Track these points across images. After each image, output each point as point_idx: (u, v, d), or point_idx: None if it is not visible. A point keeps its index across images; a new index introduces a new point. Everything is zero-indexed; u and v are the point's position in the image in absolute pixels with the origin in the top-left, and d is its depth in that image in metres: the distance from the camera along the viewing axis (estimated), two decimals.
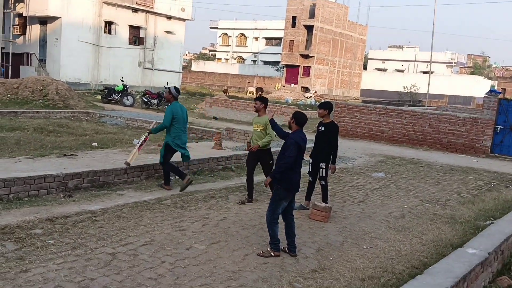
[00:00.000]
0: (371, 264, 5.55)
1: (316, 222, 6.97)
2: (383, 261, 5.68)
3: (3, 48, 30.30)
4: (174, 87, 8.34)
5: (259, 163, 7.76)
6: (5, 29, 31.72)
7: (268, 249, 5.53)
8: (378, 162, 13.11)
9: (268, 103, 7.86)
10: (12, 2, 32.51)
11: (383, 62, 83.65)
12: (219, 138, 12.16)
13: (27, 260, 4.68)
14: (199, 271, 4.85)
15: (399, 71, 78.36)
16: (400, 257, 5.88)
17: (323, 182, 7.49)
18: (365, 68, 74.09)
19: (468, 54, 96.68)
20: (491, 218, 7.95)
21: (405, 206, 8.53)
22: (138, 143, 8.50)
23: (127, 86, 24.63)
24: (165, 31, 38.49)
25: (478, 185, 11.05)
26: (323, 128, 7.46)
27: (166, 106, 22.22)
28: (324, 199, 7.53)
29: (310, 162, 7.62)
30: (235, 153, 10.29)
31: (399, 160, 13.73)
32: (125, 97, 23.77)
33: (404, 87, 56.80)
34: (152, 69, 37.76)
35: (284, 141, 5.86)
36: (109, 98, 23.85)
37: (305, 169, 10.54)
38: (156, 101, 23.13)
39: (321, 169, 7.43)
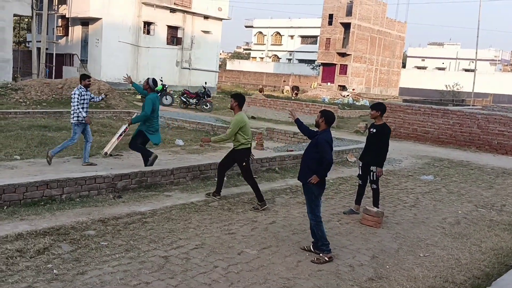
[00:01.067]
0: (430, 274, 5.29)
1: (368, 227, 6.73)
2: (443, 270, 5.41)
3: (47, 49, 31.23)
4: (153, 79, 8.90)
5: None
6: (49, 30, 32.68)
7: (321, 254, 5.37)
8: (426, 164, 12.66)
9: (245, 102, 7.49)
10: (56, 4, 33.48)
11: (423, 60, 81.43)
12: (261, 138, 12.05)
13: (83, 262, 4.68)
14: (253, 277, 4.73)
15: (439, 69, 76.11)
16: (460, 266, 5.59)
17: (374, 186, 7.23)
18: (404, 66, 72.35)
19: None
20: None
21: (459, 212, 8.16)
22: (119, 134, 9.27)
23: (166, 86, 24.89)
24: (202, 31, 38.76)
25: None
26: (374, 130, 7.20)
27: (204, 106, 22.54)
28: (375, 203, 7.26)
29: (360, 165, 7.37)
30: (279, 154, 10.13)
31: (448, 163, 13.22)
32: (164, 97, 24.00)
33: (446, 85, 55.11)
34: (189, 69, 38.10)
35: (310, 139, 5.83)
36: None
37: (352, 172, 10.40)
38: (194, 100, 23.28)
39: (371, 173, 7.17)
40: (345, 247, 5.87)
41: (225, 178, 7.61)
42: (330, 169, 5.57)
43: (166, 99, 24.05)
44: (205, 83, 26.32)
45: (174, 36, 37.45)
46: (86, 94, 9.25)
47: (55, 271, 4.43)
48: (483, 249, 6.22)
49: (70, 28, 34.90)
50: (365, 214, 6.92)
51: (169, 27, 36.82)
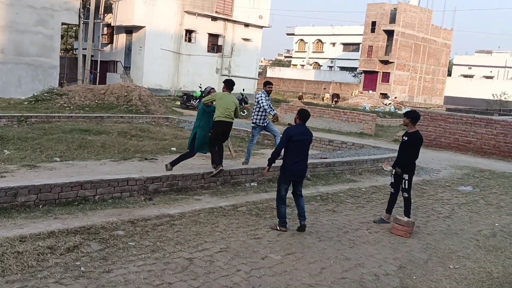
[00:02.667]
0: (458, 286, 5.13)
1: (397, 237, 6.58)
2: (472, 283, 5.23)
3: (92, 56, 32.51)
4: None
5: None
6: (95, 38, 34.02)
7: (277, 224, 6.40)
8: (465, 175, 12.23)
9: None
10: (102, 12, 34.86)
11: (470, 68, 78.65)
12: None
13: (109, 261, 4.84)
14: (275, 282, 4.73)
15: (487, 77, 73.29)
16: (491, 279, 5.38)
17: (406, 195, 7.07)
18: (449, 75, 70.22)
19: None
20: None
21: (496, 224, 7.84)
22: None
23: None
24: (243, 38, 39.19)
25: None
26: (406, 138, 7.06)
27: (241, 112, 22.68)
28: (407, 212, 7.10)
29: (393, 173, 7.23)
30: (311, 161, 10.03)
31: (489, 174, 12.71)
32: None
33: (493, 94, 53.07)
34: (228, 75, 38.58)
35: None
36: (187, 104, 24.65)
37: (386, 181, 10.20)
38: None
39: (403, 181, 7.02)
40: (372, 256, 5.77)
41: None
42: (276, 156, 6.47)
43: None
44: (243, 89, 26.53)
45: (214, 44, 38.06)
46: (267, 100, 10.04)
47: (82, 268, 4.60)
48: None
49: (114, 36, 36.19)
50: (395, 223, 6.77)
51: (210, 35, 37.47)
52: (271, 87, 10.20)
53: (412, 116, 7.04)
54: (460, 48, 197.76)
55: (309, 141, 6.53)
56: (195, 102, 24.57)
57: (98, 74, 33.95)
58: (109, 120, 16.74)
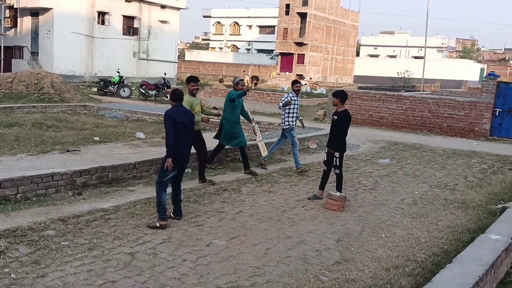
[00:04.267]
0: (392, 253, 5.47)
1: (331, 212, 6.87)
2: (404, 250, 5.61)
3: None
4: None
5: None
6: None
7: (157, 220, 5.76)
8: (382, 148, 13.03)
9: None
10: None
11: (375, 48, 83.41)
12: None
13: (43, 264, 4.53)
14: (223, 268, 4.73)
15: (391, 56, 78.22)
16: (420, 244, 5.81)
17: (337, 171, 7.39)
18: (358, 55, 73.79)
19: (457, 38, 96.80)
20: (501, 201, 7.92)
21: (416, 192, 8.46)
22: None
23: (124, 78, 24.30)
24: (160, 21, 37.99)
25: (482, 169, 11.01)
26: (336, 117, 7.35)
27: (164, 97, 22.17)
28: (339, 188, 7.43)
29: (326, 151, 7.52)
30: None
31: (402, 146, 13.66)
32: (122, 89, 23.45)
33: (397, 72, 56.65)
34: (147, 60, 37.34)
35: None
36: (105, 90, 23.53)
37: (313, 158, 10.57)
38: (154, 92, 22.84)
39: (335, 158, 7.33)
40: (311, 232, 5.98)
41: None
42: (171, 144, 5.86)
43: (124, 91, 23.50)
44: (165, 74, 25.85)
45: (130, 26, 36.51)
46: (297, 100, 9.43)
47: (12, 275, 4.26)
48: (440, 227, 6.47)
49: (18, 19, 33.30)
50: (329, 198, 7.06)
51: (125, 17, 35.85)
52: (299, 86, 9.59)
53: (341, 96, 7.32)
54: (367, 29, 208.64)
55: (191, 123, 6.12)
56: (113, 88, 23.51)
57: (2, 60, 31.15)
58: (20, 111, 15.52)
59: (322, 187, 7.56)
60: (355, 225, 6.43)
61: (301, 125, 9.93)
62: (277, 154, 10.72)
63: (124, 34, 35.97)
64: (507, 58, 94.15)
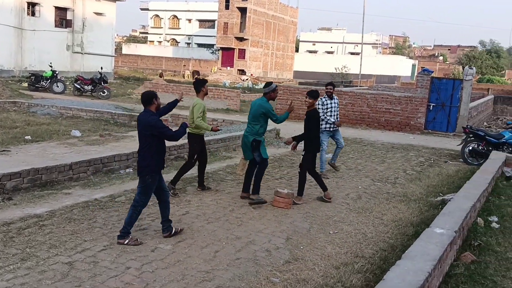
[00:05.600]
0: (341, 250, 5.48)
1: (279, 209, 6.80)
2: (352, 246, 5.64)
3: None
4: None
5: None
6: None
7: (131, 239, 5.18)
8: None
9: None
10: None
11: (314, 44, 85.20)
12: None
13: None
14: (170, 275, 4.49)
15: (328, 52, 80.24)
16: (366, 240, 5.88)
17: (299, 170, 7.43)
18: (297, 50, 75.01)
19: (390, 35, 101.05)
20: (440, 193, 8.25)
21: (360, 187, 8.62)
22: None
23: (57, 72, 23.02)
24: (95, 13, 36.31)
25: (420, 162, 11.45)
26: (305, 117, 7.38)
27: (101, 93, 21.23)
28: (299, 189, 7.41)
29: (302, 154, 7.53)
30: (186, 141, 9.81)
31: (343, 140, 13.89)
32: (55, 84, 22.21)
33: (335, 68, 58.16)
34: (82, 53, 35.60)
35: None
36: (36, 85, 22.17)
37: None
38: (89, 87, 21.81)
39: (301, 157, 7.40)
40: (260, 232, 5.87)
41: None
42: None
43: (57, 86, 22.28)
44: (101, 68, 24.75)
45: (63, 18, 34.60)
46: (333, 102, 9.36)
47: None
48: (385, 222, 6.60)
49: None
50: (276, 196, 6.99)
51: (57, 8, 33.92)
52: (331, 89, 9.32)
53: (313, 95, 7.30)
54: (305, 25, 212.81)
55: (141, 130, 5.34)
56: (45, 83, 22.19)
57: None
58: None
59: (323, 188, 7.45)
60: (303, 222, 6.40)
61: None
62: (222, 151, 10.54)
63: (56, 26, 34.06)
64: (436, 54, 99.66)
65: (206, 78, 13.46)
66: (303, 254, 5.28)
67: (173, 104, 6.11)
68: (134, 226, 5.61)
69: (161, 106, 5.68)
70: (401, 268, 4.08)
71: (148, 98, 5.35)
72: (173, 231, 5.41)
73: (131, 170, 8.13)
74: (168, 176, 8.06)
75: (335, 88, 11.41)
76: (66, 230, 5.38)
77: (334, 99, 9.45)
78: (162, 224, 5.43)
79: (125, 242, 5.05)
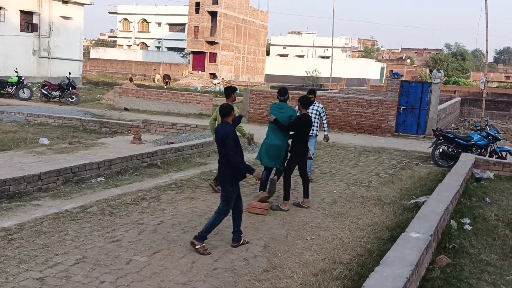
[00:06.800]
0: (319, 257, 5.47)
1: (256, 216, 6.75)
2: (330, 252, 5.64)
3: None
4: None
5: None
6: None
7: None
8: None
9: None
10: None
11: (285, 48, 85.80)
12: (138, 131, 11.41)
13: None
14: None
15: (299, 56, 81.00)
16: (344, 245, 5.88)
17: (283, 174, 7.46)
18: (268, 54, 75.41)
19: (359, 39, 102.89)
20: (413, 196, 8.37)
21: (334, 191, 8.64)
22: None
23: (23, 78, 22.35)
24: (62, 17, 35.46)
25: (392, 165, 11.61)
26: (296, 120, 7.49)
27: (69, 98, 20.71)
28: (285, 194, 7.40)
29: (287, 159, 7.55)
30: (160, 148, 9.66)
31: (317, 144, 13.98)
32: (21, 90, 21.57)
33: (306, 71, 58.69)
34: (49, 58, 34.69)
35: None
36: (2, 91, 21.49)
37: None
38: (57, 93, 21.24)
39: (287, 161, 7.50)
40: None
41: None
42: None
43: (24, 92, 21.64)
44: (69, 73, 24.17)
45: (28, 22, 33.61)
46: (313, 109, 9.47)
47: None
48: (361, 226, 6.64)
49: None
50: (253, 202, 6.93)
51: (22, 12, 32.92)
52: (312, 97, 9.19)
53: (302, 101, 7.51)
54: (276, 29, 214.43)
55: (220, 141, 5.56)
56: (11, 89, 21.53)
57: None
58: None
59: (287, 197, 7.35)
60: (280, 228, 6.36)
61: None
62: (196, 157, 10.42)
63: (22, 30, 33.07)
64: (404, 57, 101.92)
65: (175, 83, 13.64)
66: (281, 262, 5.24)
67: (239, 119, 6.15)
68: (107, 238, 5.46)
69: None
70: (380, 274, 4.09)
71: (228, 110, 5.65)
72: (241, 242, 5.62)
73: (103, 179, 7.92)
74: (141, 184, 7.94)
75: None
76: (36, 243, 5.18)
77: (315, 105, 9.51)
78: (233, 233, 5.63)
79: (197, 247, 5.25)
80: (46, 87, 21.64)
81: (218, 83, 46.71)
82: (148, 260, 4.97)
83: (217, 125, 5.75)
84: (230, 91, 7.68)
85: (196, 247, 5.24)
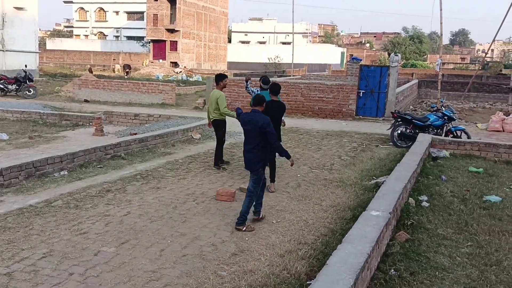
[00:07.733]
0: (285, 238, 5.64)
1: (223, 203, 6.86)
2: (295, 233, 5.82)
3: None
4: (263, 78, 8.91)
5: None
6: None
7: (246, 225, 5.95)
8: None
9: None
10: None
11: (246, 35, 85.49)
12: (100, 123, 11.24)
13: None
14: (115, 278, 4.42)
15: (261, 42, 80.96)
16: (308, 226, 6.08)
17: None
18: (229, 41, 74.95)
19: (319, 24, 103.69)
20: (373, 177, 8.66)
21: (298, 175, 8.85)
22: None
23: None
24: (15, 7, 33.99)
25: (353, 147, 11.95)
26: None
27: (27, 92, 20.05)
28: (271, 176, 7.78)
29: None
30: (123, 139, 9.56)
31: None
32: None
33: (268, 58, 58.83)
34: (3, 51, 33.31)
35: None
36: None
37: (199, 149, 10.41)
38: (14, 86, 20.53)
39: None
40: (205, 226, 5.90)
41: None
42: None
43: None
44: (25, 66, 23.35)
45: None
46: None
47: None
48: (324, 207, 6.86)
49: None
50: (219, 190, 7.03)
51: None
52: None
53: (271, 88, 7.67)
54: (237, 16, 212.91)
55: (253, 129, 5.97)
56: None
57: None
58: None
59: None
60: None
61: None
62: (160, 147, 10.39)
63: None
64: (363, 42, 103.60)
65: (135, 73, 13.82)
66: (249, 246, 5.39)
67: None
68: (74, 231, 5.46)
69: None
70: (342, 252, 4.29)
71: (262, 100, 6.11)
72: (261, 216, 6.24)
73: (66, 173, 7.82)
74: (106, 176, 7.89)
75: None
76: (1, 239, 5.11)
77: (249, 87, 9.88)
78: (255, 207, 6.20)
79: (243, 229, 5.81)
80: (2, 81, 20.86)
81: (180, 71, 46.18)
82: (117, 251, 5.01)
83: (245, 113, 6.19)
84: (219, 78, 8.37)
85: (243, 229, 5.79)
